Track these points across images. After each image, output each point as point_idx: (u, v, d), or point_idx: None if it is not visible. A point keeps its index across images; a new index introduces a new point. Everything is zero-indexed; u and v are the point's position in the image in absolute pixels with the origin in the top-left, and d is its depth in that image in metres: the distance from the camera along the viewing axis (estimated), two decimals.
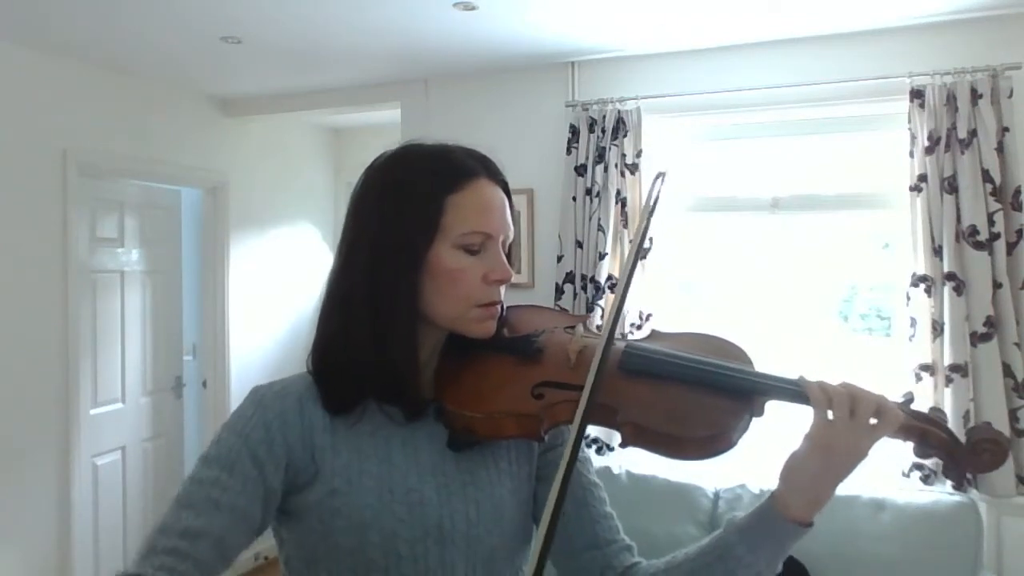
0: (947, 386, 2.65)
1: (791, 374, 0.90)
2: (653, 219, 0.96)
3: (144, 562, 0.79)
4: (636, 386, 0.91)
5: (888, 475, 2.74)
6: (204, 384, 4.22)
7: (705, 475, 2.86)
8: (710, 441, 0.86)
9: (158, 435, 4.02)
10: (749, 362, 0.95)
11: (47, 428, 3.27)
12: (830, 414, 0.84)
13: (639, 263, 3.10)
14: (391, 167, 0.97)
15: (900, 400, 0.89)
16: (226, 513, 0.84)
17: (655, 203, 0.94)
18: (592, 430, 2.95)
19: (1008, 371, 2.60)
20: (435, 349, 0.98)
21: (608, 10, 2.74)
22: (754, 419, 0.89)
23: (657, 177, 0.96)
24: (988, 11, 2.70)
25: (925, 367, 2.69)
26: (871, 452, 0.85)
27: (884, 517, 2.58)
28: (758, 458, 2.50)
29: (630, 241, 3.10)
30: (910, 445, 0.89)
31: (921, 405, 0.91)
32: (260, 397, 0.92)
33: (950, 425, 2.88)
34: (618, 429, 0.88)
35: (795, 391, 0.87)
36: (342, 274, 0.95)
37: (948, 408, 2.63)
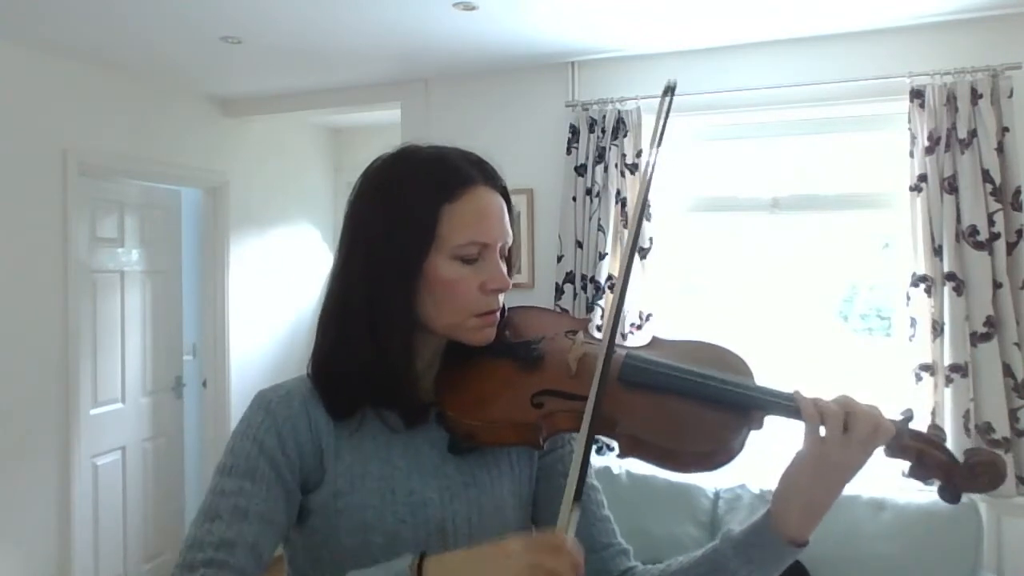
0: (947, 386, 2.64)
1: (787, 388, 0.89)
2: (661, 150, 0.87)
3: None
4: (635, 398, 0.90)
5: (888, 475, 2.73)
6: (204, 384, 4.22)
7: (705, 475, 2.86)
8: (709, 455, 0.86)
9: (158, 435, 4.02)
10: (749, 373, 0.94)
11: (47, 428, 3.26)
12: (822, 430, 0.84)
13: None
14: (386, 173, 0.95)
15: (899, 418, 0.87)
16: (255, 520, 0.85)
17: (664, 125, 0.87)
18: None
19: (1008, 371, 2.60)
20: (435, 355, 0.97)
21: (608, 10, 2.74)
22: (752, 432, 0.89)
23: (665, 92, 0.88)
24: (988, 11, 2.70)
25: (925, 367, 2.69)
26: (866, 465, 0.85)
27: (884, 517, 2.58)
28: (758, 458, 2.52)
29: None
30: (907, 465, 0.87)
31: (919, 423, 0.87)
32: (267, 403, 0.91)
33: (950, 427, 2.84)
34: (616, 440, 0.87)
35: (789, 407, 0.87)
36: (339, 281, 0.95)
37: (948, 408, 2.64)
